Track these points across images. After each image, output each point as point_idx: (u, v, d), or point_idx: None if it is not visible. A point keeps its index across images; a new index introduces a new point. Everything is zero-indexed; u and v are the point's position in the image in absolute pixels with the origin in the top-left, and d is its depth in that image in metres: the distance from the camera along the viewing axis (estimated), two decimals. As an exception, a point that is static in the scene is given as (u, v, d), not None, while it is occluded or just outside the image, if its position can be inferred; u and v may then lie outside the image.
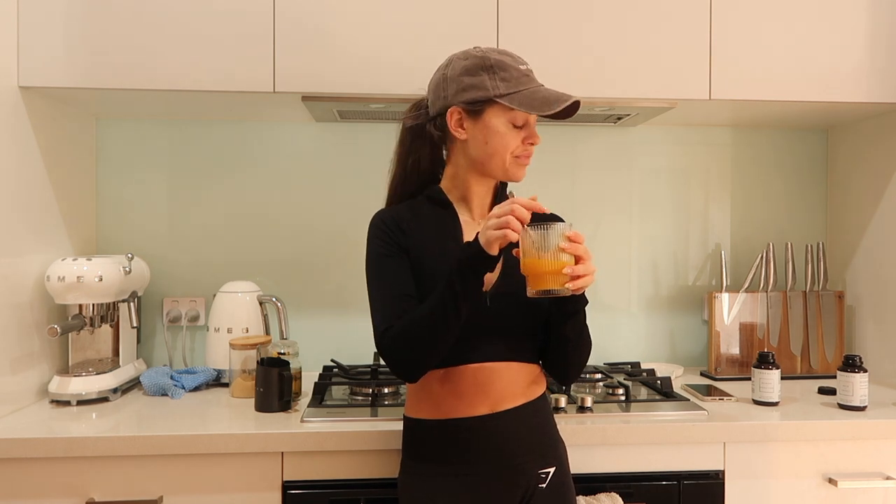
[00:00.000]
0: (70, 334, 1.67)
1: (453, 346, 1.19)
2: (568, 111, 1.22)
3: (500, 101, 1.18)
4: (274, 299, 1.81)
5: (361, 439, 1.37)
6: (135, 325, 1.74)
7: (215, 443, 1.35)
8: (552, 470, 1.22)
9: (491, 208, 1.29)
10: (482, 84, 1.20)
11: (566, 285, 1.08)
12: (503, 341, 1.22)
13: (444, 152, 1.31)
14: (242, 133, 1.98)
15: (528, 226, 1.09)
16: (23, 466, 1.34)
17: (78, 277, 1.57)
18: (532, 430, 1.22)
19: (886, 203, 1.88)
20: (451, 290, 1.12)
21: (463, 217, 1.29)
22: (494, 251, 1.09)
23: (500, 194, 1.32)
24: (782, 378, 1.72)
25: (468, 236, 1.25)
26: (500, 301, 1.21)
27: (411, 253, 1.24)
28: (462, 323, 1.14)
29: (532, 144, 1.23)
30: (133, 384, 1.75)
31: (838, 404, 1.57)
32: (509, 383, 1.22)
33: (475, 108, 1.22)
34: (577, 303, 1.19)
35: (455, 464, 1.20)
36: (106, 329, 1.72)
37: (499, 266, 1.23)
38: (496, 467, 1.19)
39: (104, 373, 1.63)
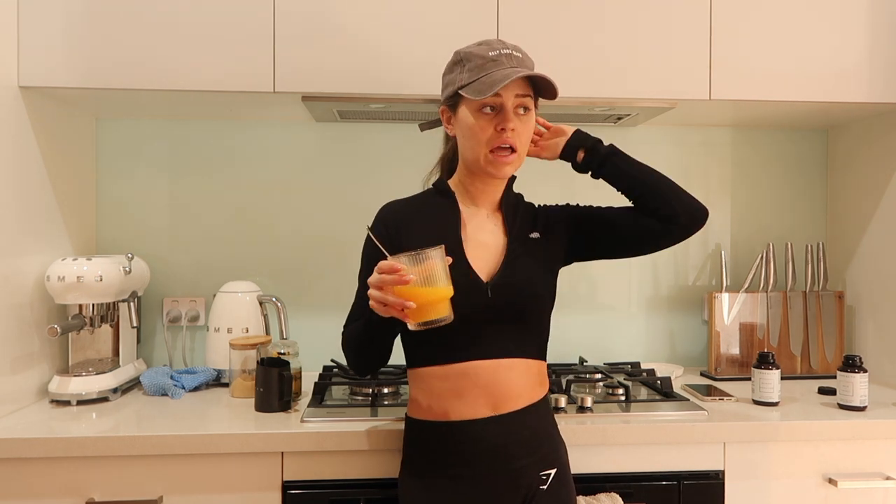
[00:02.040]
0: (70, 334, 1.67)
1: (455, 341, 1.21)
2: (548, 90, 1.21)
3: (461, 91, 1.19)
4: (274, 299, 1.81)
5: (361, 439, 1.37)
6: (135, 325, 1.74)
7: (215, 443, 1.35)
8: (553, 472, 1.22)
9: (500, 204, 1.31)
10: (454, 79, 1.23)
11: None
12: (506, 336, 1.22)
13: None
14: (242, 133, 1.98)
15: (400, 256, 1.07)
16: (23, 466, 1.34)
17: (78, 277, 1.57)
18: (534, 433, 1.22)
19: (886, 203, 1.88)
20: (367, 322, 1.19)
21: (469, 209, 1.30)
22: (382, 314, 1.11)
23: (508, 191, 1.33)
24: (782, 378, 1.72)
25: (469, 226, 1.28)
26: (502, 291, 1.21)
27: (407, 247, 1.24)
28: (381, 347, 1.22)
29: (503, 130, 1.19)
30: (133, 384, 1.75)
31: (838, 404, 1.57)
32: (513, 384, 1.21)
33: (452, 104, 1.26)
34: (596, 154, 1.30)
35: (456, 465, 1.20)
36: (106, 329, 1.72)
37: (501, 252, 1.24)
38: (497, 470, 1.19)
39: (104, 373, 1.63)
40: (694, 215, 1.30)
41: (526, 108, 1.22)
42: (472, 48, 1.22)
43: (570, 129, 1.35)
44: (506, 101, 1.19)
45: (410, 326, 1.09)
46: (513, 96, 1.19)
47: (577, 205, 1.38)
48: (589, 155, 1.33)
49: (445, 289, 1.08)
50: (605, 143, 1.35)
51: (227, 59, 1.57)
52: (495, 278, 1.22)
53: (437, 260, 1.07)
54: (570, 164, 1.37)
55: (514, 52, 1.21)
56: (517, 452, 1.20)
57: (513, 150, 1.21)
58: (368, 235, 1.30)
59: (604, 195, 2.06)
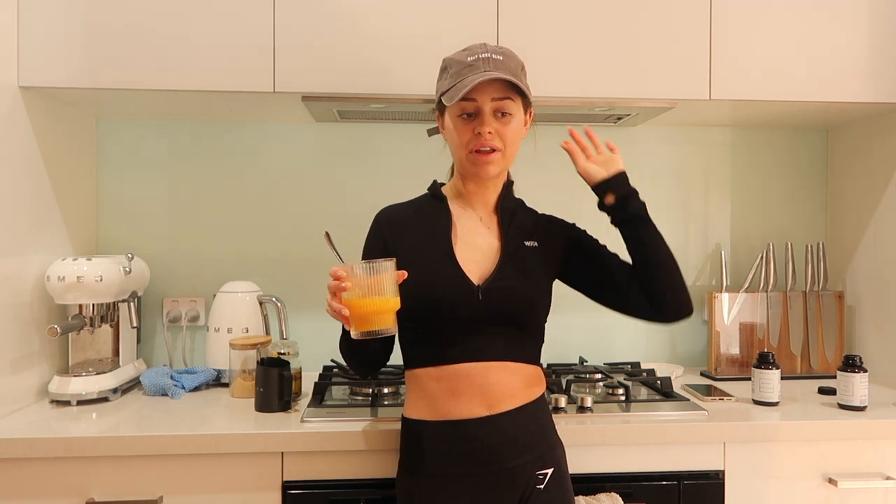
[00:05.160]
0: (70, 334, 1.67)
1: (447, 343, 1.21)
2: (504, 90, 1.20)
3: (442, 98, 1.22)
4: (274, 299, 1.81)
5: (361, 439, 1.37)
6: (135, 325, 1.74)
7: (215, 443, 1.35)
8: (550, 471, 1.22)
9: (496, 206, 1.31)
10: (439, 86, 1.26)
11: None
12: (499, 339, 1.22)
13: None
14: (242, 133, 1.98)
15: (354, 264, 1.10)
16: (23, 466, 1.34)
17: (78, 277, 1.57)
18: (530, 432, 1.22)
19: (886, 203, 1.88)
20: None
21: (464, 212, 1.30)
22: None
23: (506, 194, 1.33)
24: (782, 378, 1.72)
25: (462, 229, 1.28)
26: (494, 294, 1.21)
27: (399, 252, 1.25)
28: (364, 350, 1.23)
29: (479, 134, 1.20)
30: (133, 384, 1.75)
31: (838, 404, 1.57)
32: (506, 384, 1.21)
33: (440, 109, 1.28)
34: (624, 208, 1.27)
35: (452, 465, 1.20)
36: (106, 329, 1.72)
37: (494, 256, 1.24)
38: (493, 469, 1.19)
39: (104, 373, 1.63)
40: (679, 312, 1.31)
41: (504, 113, 1.21)
42: (456, 54, 1.24)
43: (615, 168, 1.30)
44: (482, 104, 1.20)
45: (352, 334, 1.13)
46: (489, 100, 1.20)
47: (585, 231, 1.37)
48: (618, 204, 1.29)
49: (388, 301, 1.11)
50: (632, 186, 1.30)
51: (227, 59, 1.57)
52: (487, 282, 1.22)
53: (384, 272, 1.10)
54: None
55: (494, 56, 1.20)
56: (512, 451, 1.20)
57: (494, 149, 1.21)
58: (369, 230, 1.33)
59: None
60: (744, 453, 1.46)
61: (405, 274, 1.14)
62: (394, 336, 1.29)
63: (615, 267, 1.32)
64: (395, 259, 1.13)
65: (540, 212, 1.39)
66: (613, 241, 2.06)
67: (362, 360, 1.28)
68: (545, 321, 1.29)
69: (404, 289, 1.22)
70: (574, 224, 1.39)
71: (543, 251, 1.30)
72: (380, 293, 1.10)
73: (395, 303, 1.12)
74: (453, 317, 1.20)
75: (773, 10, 1.68)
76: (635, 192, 1.30)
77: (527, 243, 1.29)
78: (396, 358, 1.32)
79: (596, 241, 1.37)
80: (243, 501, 1.37)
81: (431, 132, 1.44)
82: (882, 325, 1.89)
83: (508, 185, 1.34)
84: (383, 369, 1.74)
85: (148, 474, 1.36)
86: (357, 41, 1.60)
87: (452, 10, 1.61)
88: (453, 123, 1.23)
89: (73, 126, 1.81)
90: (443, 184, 1.37)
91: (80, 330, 1.64)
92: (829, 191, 2.13)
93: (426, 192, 1.35)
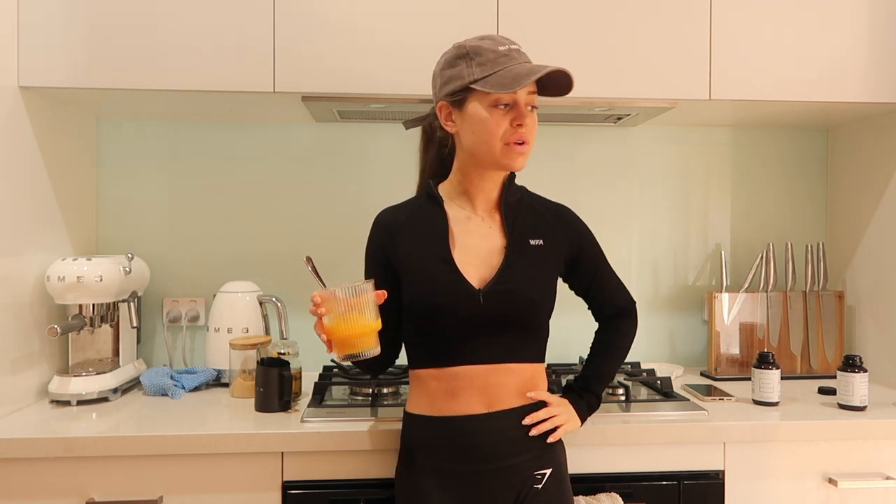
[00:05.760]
0: (70, 334, 1.67)
1: (448, 346, 1.21)
2: (557, 86, 1.20)
3: (475, 86, 1.17)
4: (274, 299, 1.81)
5: (361, 439, 1.37)
6: (135, 325, 1.73)
7: (215, 443, 1.35)
8: (548, 471, 1.22)
9: (499, 202, 1.29)
10: (460, 73, 1.19)
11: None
12: (501, 341, 1.22)
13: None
14: (242, 133, 1.98)
15: (336, 288, 1.10)
16: (23, 466, 1.34)
17: (78, 277, 1.57)
18: (528, 431, 1.22)
19: (886, 203, 1.88)
20: None
21: (463, 212, 1.27)
22: None
23: (508, 187, 1.30)
24: (782, 378, 1.72)
25: (460, 231, 1.26)
26: (495, 298, 1.20)
27: (398, 255, 1.25)
28: (364, 361, 1.22)
29: (520, 126, 1.18)
30: (133, 384, 1.75)
31: (838, 404, 1.57)
32: (506, 386, 1.21)
33: (457, 99, 1.21)
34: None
35: (449, 461, 1.20)
36: (106, 329, 1.72)
37: (496, 258, 1.24)
38: (490, 467, 1.19)
39: (104, 373, 1.63)
40: None
41: (533, 107, 1.21)
42: (478, 42, 1.20)
43: (576, 423, 1.31)
44: (519, 97, 1.18)
45: (336, 358, 1.13)
46: (525, 93, 1.19)
47: (592, 243, 1.35)
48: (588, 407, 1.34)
49: (368, 324, 1.11)
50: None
51: (227, 59, 1.57)
52: (489, 285, 1.21)
53: (363, 294, 1.11)
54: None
55: (520, 48, 1.21)
56: (510, 450, 1.20)
57: (524, 142, 1.20)
58: (370, 232, 1.31)
59: (602, 195, 2.06)
60: (744, 453, 1.46)
61: (385, 294, 1.15)
62: (400, 340, 1.29)
63: (598, 301, 1.38)
64: (373, 280, 1.15)
65: (546, 197, 1.36)
66: (609, 238, 2.05)
67: (362, 363, 1.28)
68: (549, 319, 1.28)
69: (406, 292, 1.22)
70: (585, 230, 1.35)
71: (549, 249, 1.27)
72: (360, 315, 1.10)
73: (375, 324, 1.13)
74: (455, 321, 1.20)
75: (773, 10, 1.68)
76: (594, 398, 1.35)
77: (531, 242, 1.26)
78: (398, 359, 1.32)
79: (598, 259, 1.36)
80: (243, 501, 1.37)
81: (410, 125, 1.41)
82: (882, 325, 1.89)
83: (510, 177, 1.30)
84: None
85: (148, 474, 1.36)
86: (357, 41, 1.60)
87: (453, 9, 1.61)
88: (488, 113, 1.18)
89: (73, 126, 1.81)
90: (438, 182, 1.33)
91: (80, 330, 1.64)
92: (829, 191, 2.13)
93: (422, 192, 1.33)
